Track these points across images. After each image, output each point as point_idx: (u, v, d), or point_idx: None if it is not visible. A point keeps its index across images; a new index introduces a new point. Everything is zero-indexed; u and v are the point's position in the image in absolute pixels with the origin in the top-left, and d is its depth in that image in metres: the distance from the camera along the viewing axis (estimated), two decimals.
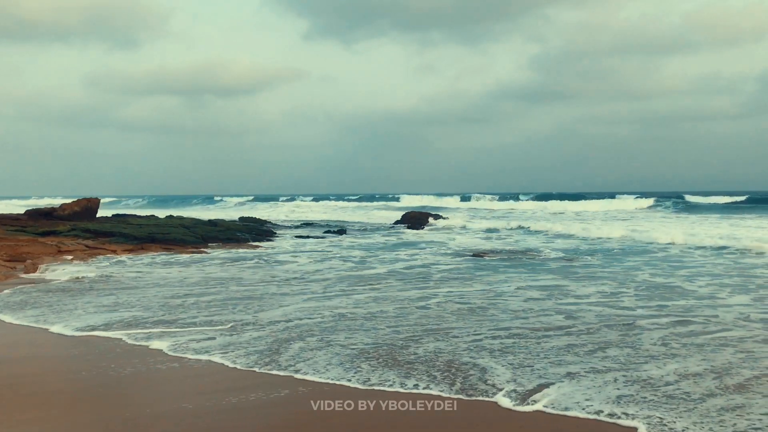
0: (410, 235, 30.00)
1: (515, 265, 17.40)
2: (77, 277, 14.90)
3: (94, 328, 9.44)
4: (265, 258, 19.49)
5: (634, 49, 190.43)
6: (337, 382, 6.74)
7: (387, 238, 28.21)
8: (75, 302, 11.69)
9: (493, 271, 16.13)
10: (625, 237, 25.23)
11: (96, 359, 7.80)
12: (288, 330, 9.20)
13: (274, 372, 7.14)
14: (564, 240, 25.62)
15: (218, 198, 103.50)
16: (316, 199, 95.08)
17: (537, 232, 29.71)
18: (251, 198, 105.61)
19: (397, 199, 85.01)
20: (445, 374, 6.97)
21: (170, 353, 7.99)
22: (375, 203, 79.45)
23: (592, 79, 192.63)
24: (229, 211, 64.81)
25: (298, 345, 8.28)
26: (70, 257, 18.92)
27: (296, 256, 20.00)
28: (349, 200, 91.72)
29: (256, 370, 7.25)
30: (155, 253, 20.65)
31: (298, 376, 6.99)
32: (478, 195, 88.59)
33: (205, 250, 21.90)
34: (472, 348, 8.10)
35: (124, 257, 19.62)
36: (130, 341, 8.70)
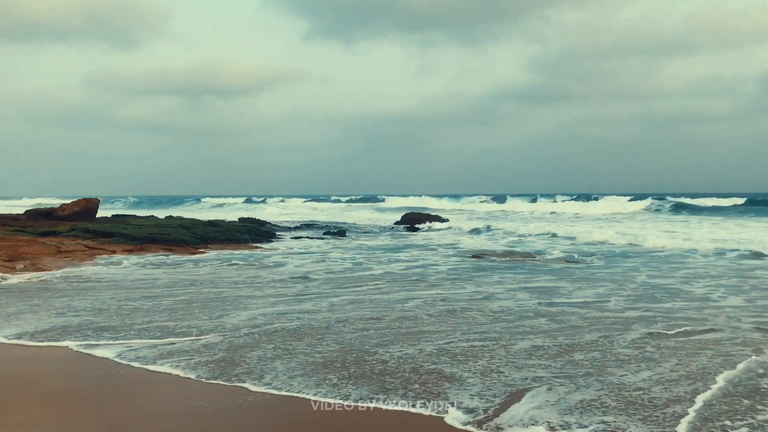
0: (410, 236, 29.98)
1: (513, 267, 17.24)
2: (31, 279, 14.38)
3: (21, 335, 8.76)
4: (260, 259, 19.32)
5: (634, 51, 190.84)
6: (292, 394, 6.33)
7: (386, 239, 28.19)
8: (24, 305, 11.01)
9: (490, 272, 15.97)
10: (627, 239, 24.97)
11: (22, 368, 7.27)
12: (248, 336, 8.72)
13: (225, 383, 6.67)
14: (565, 241, 25.41)
15: (204, 200, 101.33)
16: (314, 200, 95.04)
17: (538, 233, 29.65)
18: (243, 199, 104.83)
19: (398, 200, 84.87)
20: (408, 385, 6.59)
21: (118, 361, 7.54)
22: (374, 204, 79.42)
23: (592, 81, 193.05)
24: (206, 213, 64.03)
25: (257, 354, 7.79)
26: (69, 258, 18.99)
27: (292, 258, 19.84)
28: (348, 201, 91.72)
29: (209, 381, 6.77)
30: (153, 254, 20.68)
31: (253, 388, 6.51)
32: (478, 196, 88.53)
33: (204, 250, 21.97)
34: (439, 353, 7.78)
35: (121, 257, 19.67)
36: (73, 348, 8.13)
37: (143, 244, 22.28)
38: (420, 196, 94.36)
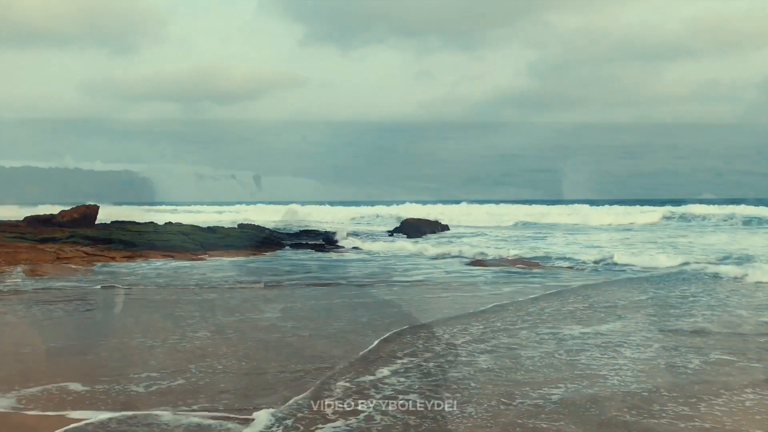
0: (407, 243, 29.85)
1: (511, 272, 17.38)
2: None
3: None
4: (273, 263, 19.44)
5: (634, 56, 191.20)
6: None
7: (383, 244, 28.14)
8: None
9: (485, 280, 16.03)
10: (643, 247, 24.35)
11: None
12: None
13: None
14: (567, 247, 25.44)
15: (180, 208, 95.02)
16: (312, 206, 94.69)
17: (540, 238, 29.62)
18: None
19: (395, 206, 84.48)
20: None
21: None
22: (373, 210, 79.18)
23: (592, 86, 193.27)
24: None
25: None
26: (69, 264, 18.95)
27: (277, 263, 19.87)
28: (346, 206, 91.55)
29: None
30: (144, 260, 20.61)
31: None
32: (478, 202, 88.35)
33: (204, 257, 21.92)
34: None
35: (121, 264, 19.66)
36: None
37: (142, 250, 22.24)
38: (418, 202, 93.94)
